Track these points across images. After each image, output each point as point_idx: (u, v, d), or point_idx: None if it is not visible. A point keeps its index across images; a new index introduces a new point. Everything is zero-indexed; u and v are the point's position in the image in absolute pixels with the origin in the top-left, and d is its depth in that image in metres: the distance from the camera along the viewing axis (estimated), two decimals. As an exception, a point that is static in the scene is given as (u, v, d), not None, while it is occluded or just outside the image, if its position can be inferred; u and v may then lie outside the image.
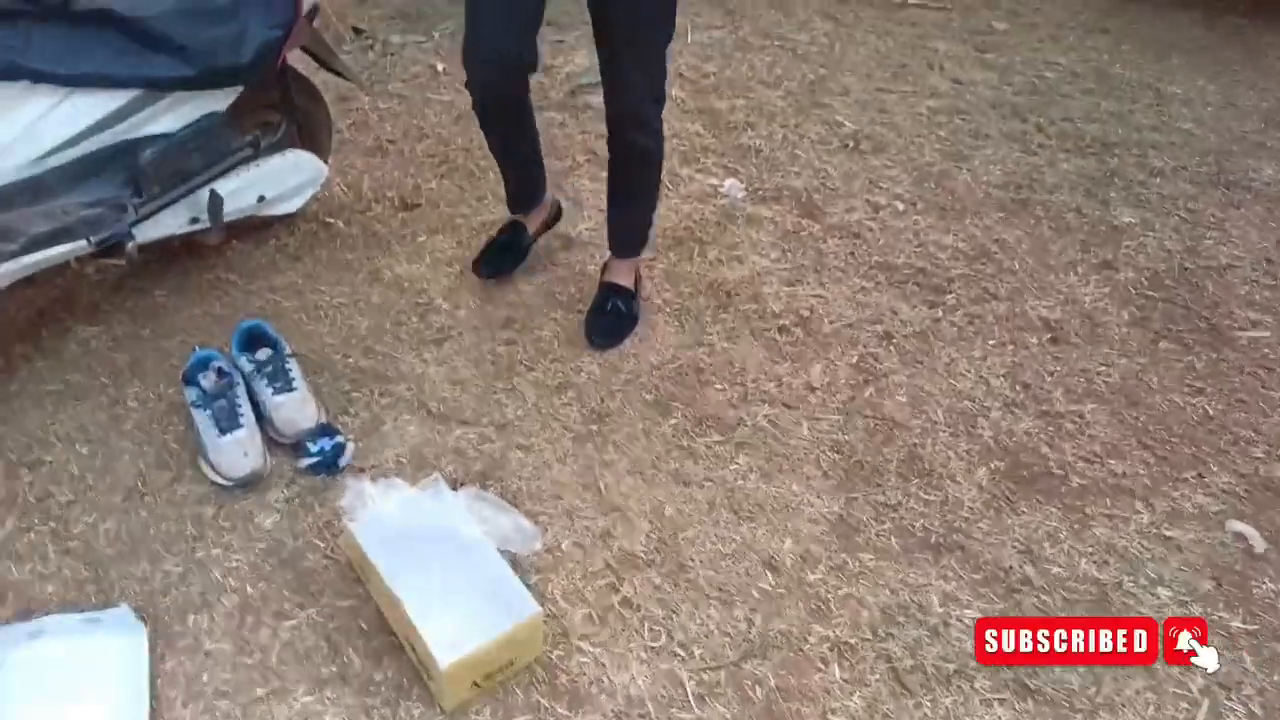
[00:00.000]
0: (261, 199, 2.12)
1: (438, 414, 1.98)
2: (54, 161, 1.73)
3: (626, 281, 2.22)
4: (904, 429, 2.01)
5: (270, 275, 2.29)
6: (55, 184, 1.75)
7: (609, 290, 2.21)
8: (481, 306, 2.26)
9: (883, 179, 2.83)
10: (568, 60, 3.29)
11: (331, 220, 2.48)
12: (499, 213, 2.52)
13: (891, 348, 2.22)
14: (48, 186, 1.74)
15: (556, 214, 2.45)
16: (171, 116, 1.82)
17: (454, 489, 1.70)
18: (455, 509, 1.63)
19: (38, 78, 1.61)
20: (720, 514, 1.80)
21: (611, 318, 2.19)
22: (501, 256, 2.33)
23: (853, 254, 2.52)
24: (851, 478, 1.89)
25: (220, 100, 1.90)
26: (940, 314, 2.33)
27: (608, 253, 2.26)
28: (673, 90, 2.68)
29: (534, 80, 2.06)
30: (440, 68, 3.23)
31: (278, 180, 2.14)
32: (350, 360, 2.09)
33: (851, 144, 2.97)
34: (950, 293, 2.40)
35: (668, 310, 2.29)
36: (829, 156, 2.91)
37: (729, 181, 2.75)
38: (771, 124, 3.03)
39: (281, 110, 2.08)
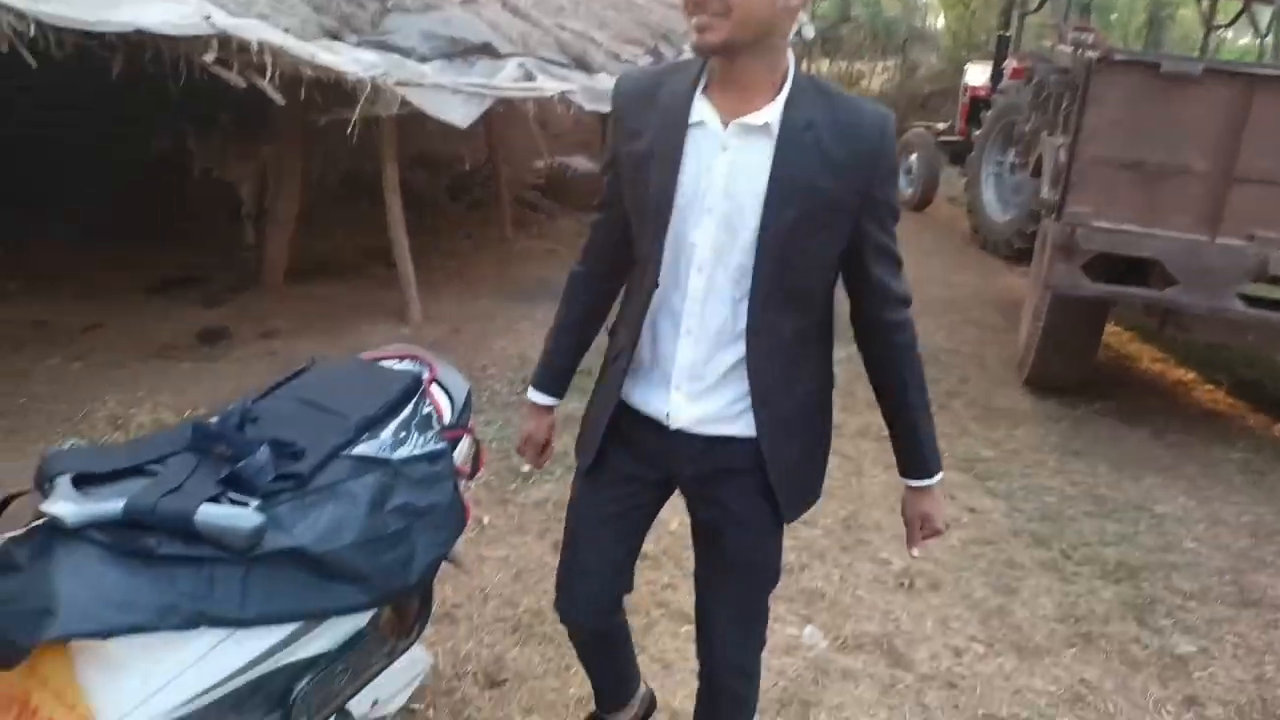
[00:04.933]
0: (375, 703, 1.97)
1: None
2: (204, 700, 1.59)
3: None
4: None
5: (367, 785, 2.07)
6: (202, 721, 1.60)
7: None
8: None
9: (950, 619, 2.87)
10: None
11: (417, 707, 2.32)
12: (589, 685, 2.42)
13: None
14: (194, 726, 1.59)
15: (649, 708, 2.23)
16: (324, 639, 1.73)
17: None
18: None
19: (217, 623, 1.52)
20: None
21: None
22: None
23: (956, 706, 2.48)
24: None
25: (364, 616, 1.82)
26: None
27: None
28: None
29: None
30: (485, 520, 3.24)
31: (390, 682, 2.01)
32: None
33: (907, 582, 3.04)
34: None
35: (799, 792, 2.15)
36: (890, 596, 2.96)
37: (807, 629, 2.74)
38: (825, 563, 3.10)
39: (418, 615, 2.02)
